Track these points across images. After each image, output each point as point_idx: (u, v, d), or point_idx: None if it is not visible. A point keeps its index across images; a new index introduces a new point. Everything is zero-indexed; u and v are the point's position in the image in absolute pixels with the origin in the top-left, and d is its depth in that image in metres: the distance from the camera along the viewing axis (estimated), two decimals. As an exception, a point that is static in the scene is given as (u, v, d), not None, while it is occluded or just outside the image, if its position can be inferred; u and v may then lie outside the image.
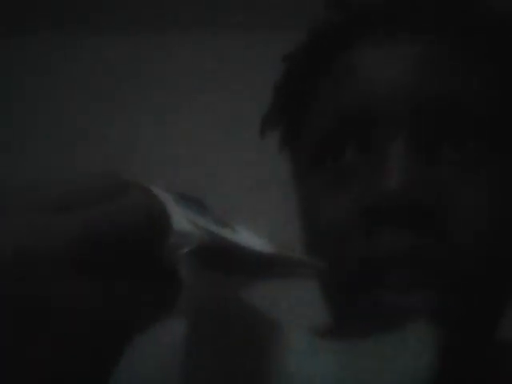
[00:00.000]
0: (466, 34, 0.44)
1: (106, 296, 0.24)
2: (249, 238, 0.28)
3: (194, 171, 1.41)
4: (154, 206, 0.25)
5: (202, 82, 1.47)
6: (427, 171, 0.40)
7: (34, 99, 1.50)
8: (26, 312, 0.22)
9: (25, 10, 1.43)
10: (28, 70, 1.51)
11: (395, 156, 0.40)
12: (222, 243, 0.27)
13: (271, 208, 1.30)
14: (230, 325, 0.36)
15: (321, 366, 0.36)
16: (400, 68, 0.42)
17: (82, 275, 0.23)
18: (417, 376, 0.35)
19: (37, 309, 0.23)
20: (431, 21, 0.44)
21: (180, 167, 1.42)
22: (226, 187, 1.38)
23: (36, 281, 0.22)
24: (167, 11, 1.44)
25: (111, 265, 0.24)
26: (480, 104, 0.41)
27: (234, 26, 1.43)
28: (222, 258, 0.28)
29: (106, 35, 1.49)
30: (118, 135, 1.46)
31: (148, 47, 1.51)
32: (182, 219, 0.26)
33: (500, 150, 0.41)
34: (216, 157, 1.43)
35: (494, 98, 0.42)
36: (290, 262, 0.30)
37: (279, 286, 0.32)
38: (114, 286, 0.24)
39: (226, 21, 1.44)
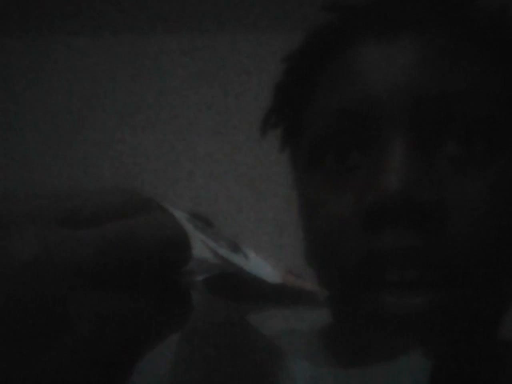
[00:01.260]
0: (466, 33, 0.44)
1: (114, 311, 0.23)
2: (259, 264, 0.28)
3: (193, 170, 1.41)
4: (175, 229, 0.25)
5: (202, 81, 1.47)
6: (427, 171, 0.40)
7: (33, 99, 1.50)
8: (34, 322, 0.22)
9: (25, 9, 1.43)
10: (28, 70, 1.51)
11: (395, 156, 0.40)
12: (234, 271, 0.27)
13: (271, 208, 1.30)
14: (232, 350, 0.36)
15: None
16: (400, 67, 0.42)
17: (94, 289, 0.23)
18: None
19: (44, 320, 0.22)
20: (431, 20, 0.44)
21: (179, 167, 1.42)
22: (225, 187, 1.38)
23: (46, 292, 0.22)
24: (167, 11, 1.44)
25: (124, 280, 0.24)
26: (480, 103, 0.41)
27: (233, 26, 1.43)
28: (232, 285, 0.28)
29: (105, 35, 1.49)
30: (118, 135, 1.46)
31: (148, 47, 1.51)
32: (200, 245, 0.26)
33: (500, 149, 0.41)
34: (215, 156, 1.43)
35: (494, 97, 0.42)
36: (299, 293, 0.30)
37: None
38: (124, 302, 0.24)
39: (226, 21, 1.44)
